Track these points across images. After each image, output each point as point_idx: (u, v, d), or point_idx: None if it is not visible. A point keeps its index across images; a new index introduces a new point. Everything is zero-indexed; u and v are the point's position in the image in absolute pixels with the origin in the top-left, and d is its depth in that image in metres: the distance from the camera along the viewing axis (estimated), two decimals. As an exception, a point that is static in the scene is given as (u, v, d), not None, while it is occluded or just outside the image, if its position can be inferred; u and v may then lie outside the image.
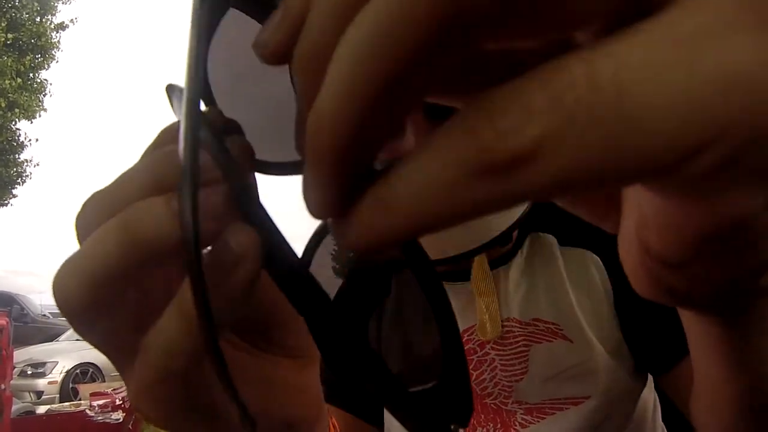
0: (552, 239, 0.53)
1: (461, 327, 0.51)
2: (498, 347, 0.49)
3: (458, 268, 0.52)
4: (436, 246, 0.47)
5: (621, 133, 0.08)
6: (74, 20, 9.97)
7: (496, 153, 0.08)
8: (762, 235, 0.12)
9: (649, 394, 0.50)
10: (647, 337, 0.46)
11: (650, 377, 0.50)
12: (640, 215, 0.13)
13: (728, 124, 0.08)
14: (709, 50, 0.08)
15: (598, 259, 0.50)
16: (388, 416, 0.53)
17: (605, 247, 0.51)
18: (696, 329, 0.18)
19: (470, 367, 0.49)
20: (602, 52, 0.08)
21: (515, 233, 0.55)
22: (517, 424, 0.46)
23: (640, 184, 0.11)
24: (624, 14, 0.09)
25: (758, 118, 0.08)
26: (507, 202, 0.09)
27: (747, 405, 0.19)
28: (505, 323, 0.49)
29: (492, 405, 0.48)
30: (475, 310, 0.50)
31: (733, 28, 0.08)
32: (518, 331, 0.49)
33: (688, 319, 0.18)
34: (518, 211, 0.47)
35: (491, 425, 0.47)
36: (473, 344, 0.50)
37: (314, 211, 0.11)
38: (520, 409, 0.47)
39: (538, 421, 0.46)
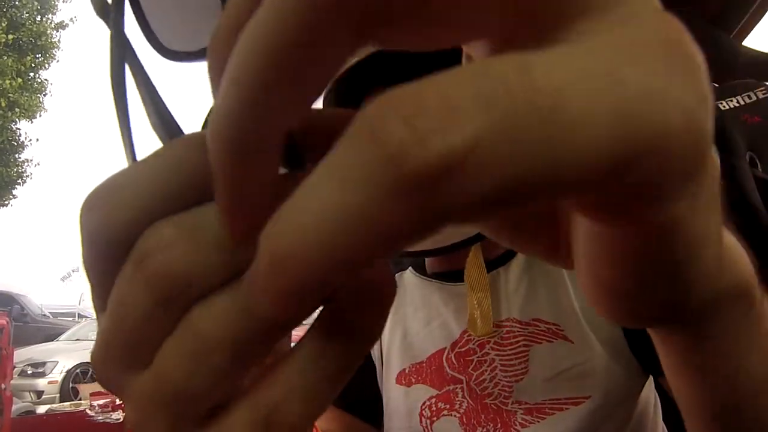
0: None
1: (459, 328, 0.51)
2: (498, 347, 0.49)
3: (458, 267, 0.52)
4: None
5: (557, 138, 0.07)
6: (74, 19, 9.97)
7: (416, 161, 0.07)
8: (689, 243, 0.12)
9: (650, 394, 0.50)
10: (647, 337, 0.46)
11: (651, 379, 0.50)
12: (585, 252, 0.13)
13: (651, 137, 0.08)
14: (630, 73, 0.08)
15: None
16: (387, 416, 0.53)
17: None
18: (662, 350, 0.20)
19: (470, 368, 0.49)
20: (538, 55, 0.07)
21: None
22: (517, 424, 0.46)
23: (573, 208, 0.11)
24: (515, 34, 0.10)
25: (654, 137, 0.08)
26: (433, 224, 0.07)
27: (713, 412, 0.20)
28: (505, 323, 0.49)
29: (492, 405, 0.48)
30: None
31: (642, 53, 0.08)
32: (518, 331, 0.49)
33: (655, 339, 0.20)
34: None
35: (491, 425, 0.47)
36: (473, 344, 0.50)
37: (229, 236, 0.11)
38: (520, 409, 0.47)
39: (538, 422, 0.46)
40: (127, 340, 0.12)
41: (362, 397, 0.53)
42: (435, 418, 0.49)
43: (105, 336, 0.12)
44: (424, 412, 0.50)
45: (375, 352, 0.55)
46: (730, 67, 0.93)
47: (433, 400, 0.50)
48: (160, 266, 0.11)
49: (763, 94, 0.90)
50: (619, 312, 0.15)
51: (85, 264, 0.12)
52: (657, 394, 0.52)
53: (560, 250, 0.15)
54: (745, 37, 0.96)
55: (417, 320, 0.54)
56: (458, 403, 0.49)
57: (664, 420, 0.52)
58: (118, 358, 0.12)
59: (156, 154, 0.12)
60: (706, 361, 0.18)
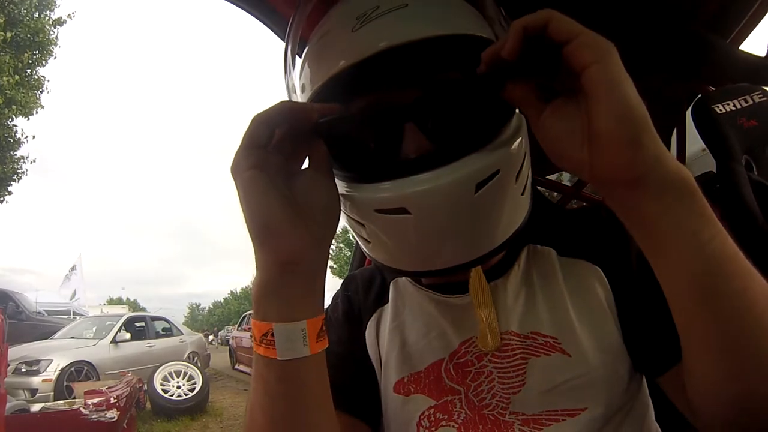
0: (550, 251, 0.53)
1: (458, 339, 0.51)
2: (496, 359, 0.49)
3: (455, 280, 0.51)
4: (433, 258, 0.45)
5: None
6: (71, 15, 9.91)
7: None
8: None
9: (644, 398, 0.50)
10: (648, 342, 0.46)
11: (644, 382, 0.50)
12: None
13: None
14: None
15: (599, 269, 0.50)
16: (385, 423, 0.52)
17: (605, 257, 0.50)
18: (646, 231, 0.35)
19: (468, 379, 0.49)
20: None
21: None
22: None
23: None
24: None
25: None
26: None
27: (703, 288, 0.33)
28: (504, 336, 0.49)
29: (490, 416, 0.48)
30: (472, 322, 0.50)
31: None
32: (516, 344, 0.49)
33: (641, 223, 0.35)
34: (517, 223, 0.46)
35: None
36: (471, 356, 0.50)
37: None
38: (517, 420, 0.47)
39: None
40: None
41: (360, 396, 0.53)
42: (434, 428, 0.49)
43: None
44: (422, 422, 0.49)
45: (373, 355, 0.55)
46: (727, 71, 0.93)
47: (432, 411, 0.49)
48: None
49: (760, 98, 0.91)
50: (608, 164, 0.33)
51: None
52: (650, 398, 0.52)
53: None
54: (742, 41, 0.96)
55: (415, 330, 0.54)
56: (456, 413, 0.49)
57: (658, 421, 0.52)
58: None
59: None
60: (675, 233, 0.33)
